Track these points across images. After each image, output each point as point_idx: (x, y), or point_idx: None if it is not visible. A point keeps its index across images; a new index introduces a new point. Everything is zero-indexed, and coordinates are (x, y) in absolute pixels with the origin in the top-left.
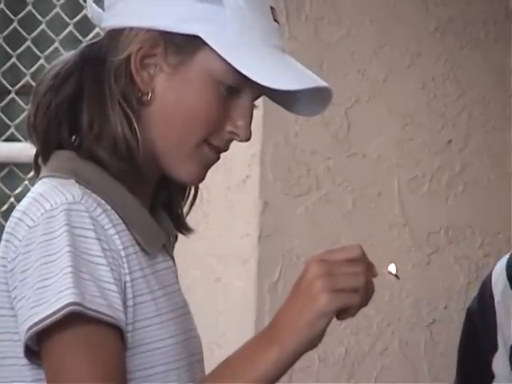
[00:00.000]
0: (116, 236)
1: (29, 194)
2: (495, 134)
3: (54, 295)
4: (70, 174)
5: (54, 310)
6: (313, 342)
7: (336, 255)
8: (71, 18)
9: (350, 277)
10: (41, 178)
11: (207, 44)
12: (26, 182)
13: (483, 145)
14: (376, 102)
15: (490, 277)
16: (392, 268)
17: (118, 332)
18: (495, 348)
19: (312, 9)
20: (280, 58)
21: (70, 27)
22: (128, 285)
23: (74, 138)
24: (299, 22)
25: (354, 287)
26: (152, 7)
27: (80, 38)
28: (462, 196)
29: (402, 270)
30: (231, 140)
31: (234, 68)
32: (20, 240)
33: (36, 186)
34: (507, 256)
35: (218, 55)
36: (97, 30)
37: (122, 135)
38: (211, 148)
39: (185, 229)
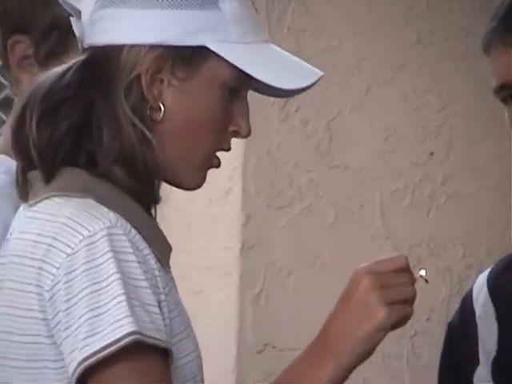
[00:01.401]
0: (150, 256)
1: (47, 217)
2: (477, 145)
3: (111, 324)
4: (84, 193)
5: (112, 339)
6: (366, 356)
7: (383, 266)
8: None
9: (401, 288)
10: (48, 197)
11: (213, 52)
12: None
13: (465, 157)
14: (358, 114)
15: (471, 291)
16: (423, 273)
17: (164, 353)
18: (477, 362)
19: (294, 21)
20: (280, 55)
21: None
22: (163, 304)
23: (78, 154)
24: (281, 34)
25: (406, 298)
26: (153, 22)
27: None
28: (444, 208)
29: None
30: (231, 138)
31: (238, 70)
32: (58, 268)
33: (49, 206)
34: (489, 270)
35: (225, 61)
36: None
37: (140, 154)
38: (218, 153)
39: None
